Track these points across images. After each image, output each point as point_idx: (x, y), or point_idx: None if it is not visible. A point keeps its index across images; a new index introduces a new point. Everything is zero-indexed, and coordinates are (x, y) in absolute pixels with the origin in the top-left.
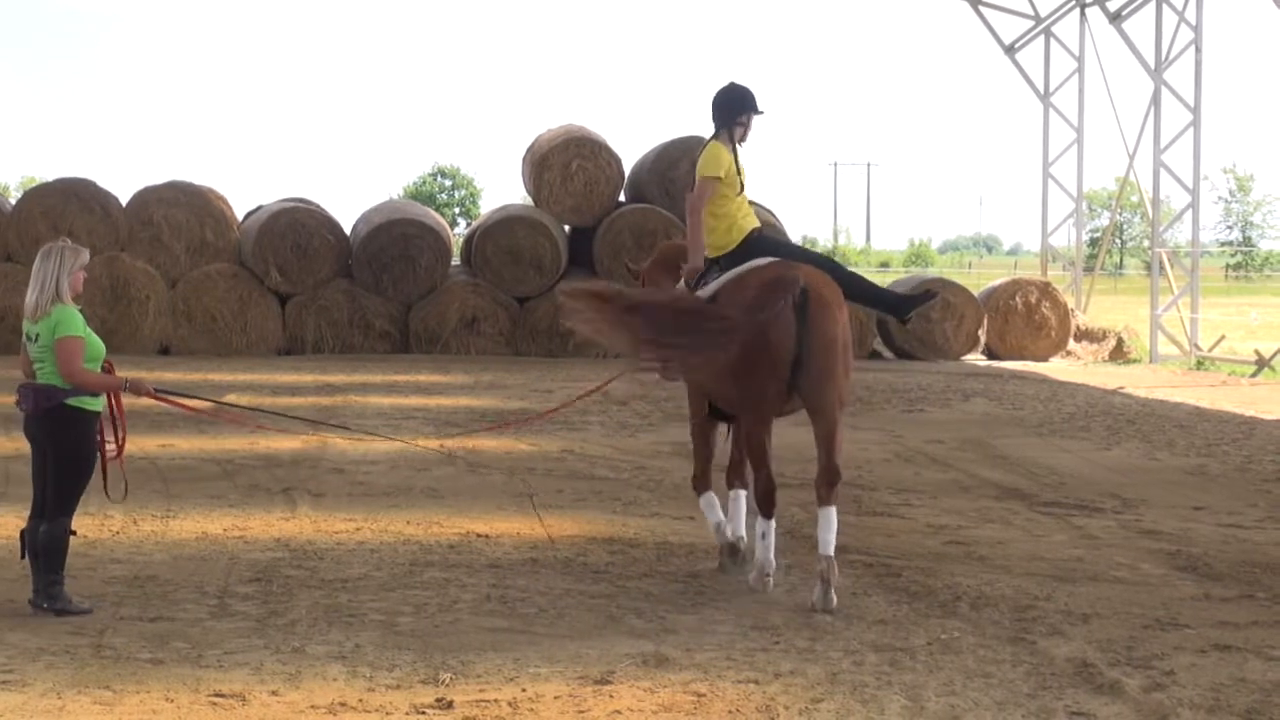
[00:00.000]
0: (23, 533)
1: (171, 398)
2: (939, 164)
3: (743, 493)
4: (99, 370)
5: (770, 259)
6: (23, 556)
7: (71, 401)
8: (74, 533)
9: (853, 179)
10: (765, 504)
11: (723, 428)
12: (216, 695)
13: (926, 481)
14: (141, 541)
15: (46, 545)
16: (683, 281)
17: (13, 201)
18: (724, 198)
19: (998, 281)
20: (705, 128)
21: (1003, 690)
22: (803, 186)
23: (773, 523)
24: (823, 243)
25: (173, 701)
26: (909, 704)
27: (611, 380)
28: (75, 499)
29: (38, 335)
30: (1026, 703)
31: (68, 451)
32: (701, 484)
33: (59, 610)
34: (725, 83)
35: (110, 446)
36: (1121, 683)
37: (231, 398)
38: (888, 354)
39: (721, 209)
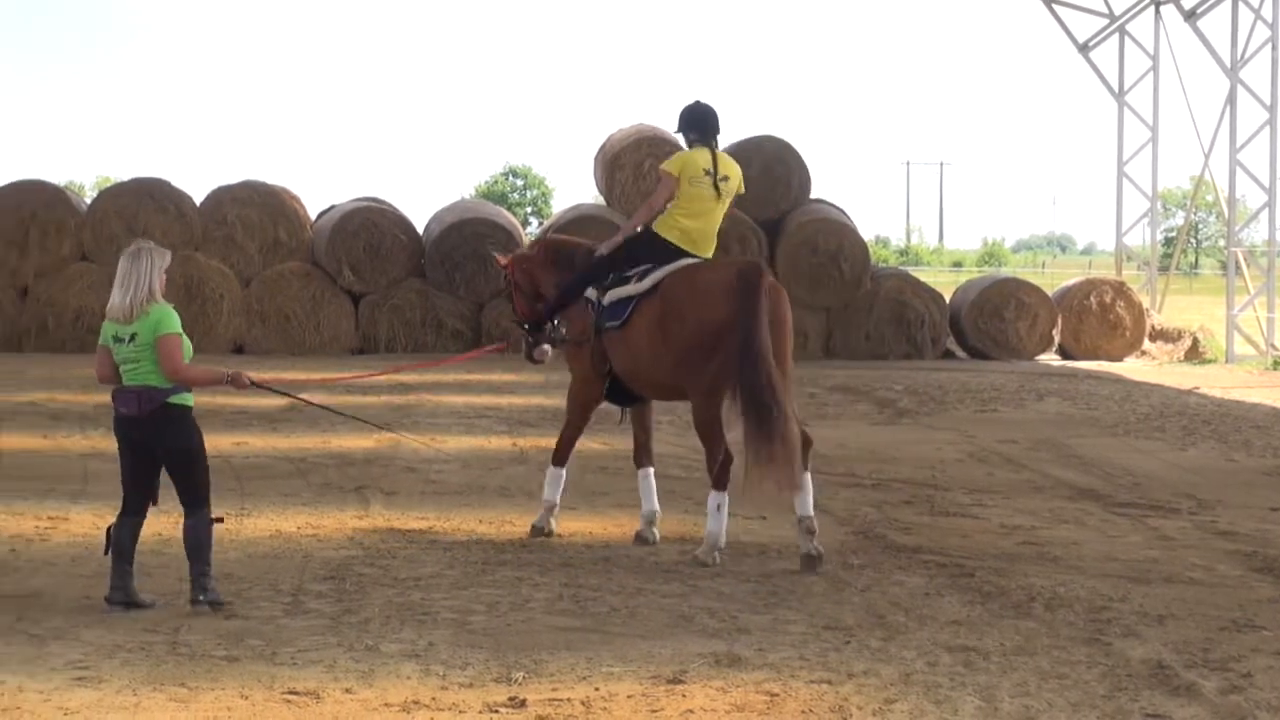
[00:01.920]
0: (109, 529)
1: (271, 388)
2: (1013, 163)
3: (651, 470)
4: None
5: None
6: (105, 552)
7: (173, 399)
8: (220, 519)
9: (926, 178)
10: (723, 478)
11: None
12: (290, 693)
13: (1000, 482)
14: (216, 539)
15: (194, 539)
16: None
17: (88, 201)
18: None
19: (1072, 281)
20: (774, 125)
21: (1078, 692)
22: (875, 186)
23: (726, 495)
24: (895, 242)
25: (247, 699)
26: (983, 705)
27: (487, 350)
28: (208, 487)
29: (132, 335)
30: (1102, 704)
31: (185, 446)
32: (560, 458)
33: (214, 602)
34: (695, 100)
35: None
36: (1198, 685)
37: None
38: (961, 354)
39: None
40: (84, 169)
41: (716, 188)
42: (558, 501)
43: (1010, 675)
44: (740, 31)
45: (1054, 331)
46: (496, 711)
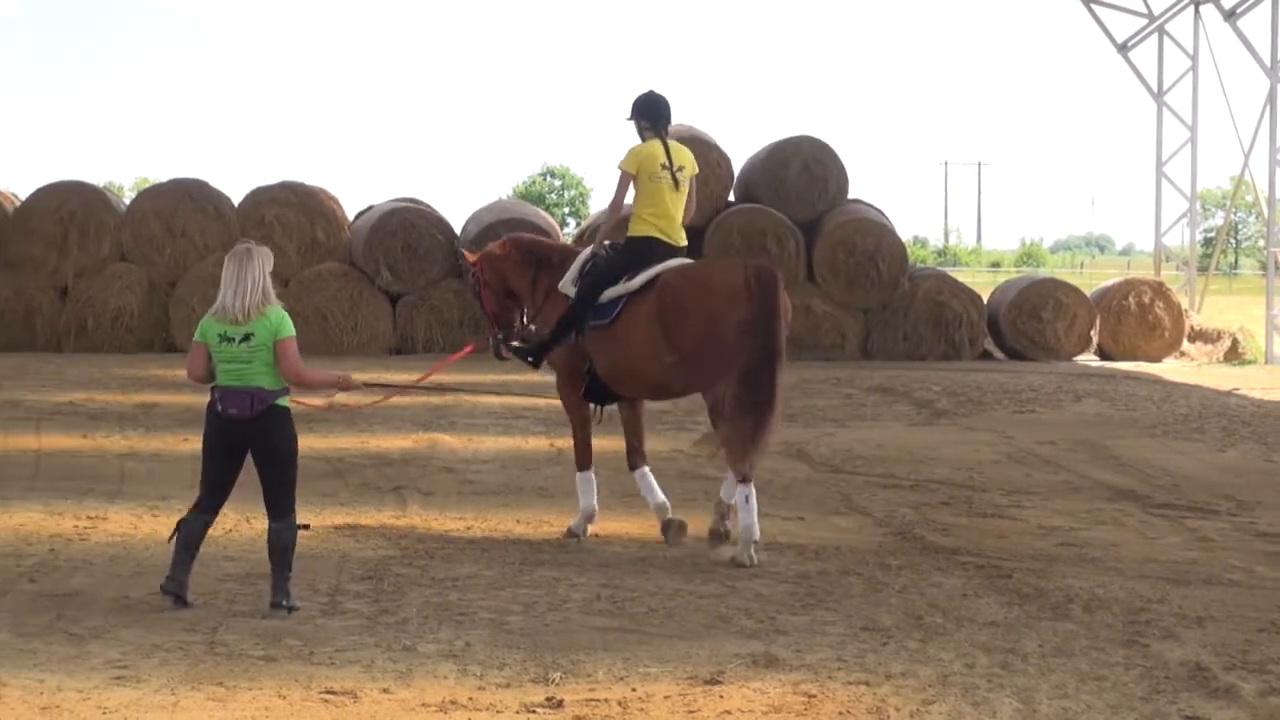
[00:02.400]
0: (180, 522)
1: (376, 386)
2: (1051, 163)
3: (647, 469)
4: None
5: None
6: (170, 539)
7: (280, 401)
8: (306, 527)
9: (964, 178)
10: (742, 466)
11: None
12: (328, 692)
13: (1038, 483)
14: (254, 539)
15: (281, 544)
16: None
17: (127, 202)
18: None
19: (1110, 281)
20: (812, 125)
21: (1116, 694)
22: (913, 186)
23: (751, 486)
24: (933, 243)
25: (285, 699)
26: (1021, 707)
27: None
28: (295, 493)
29: (246, 336)
30: (1140, 706)
31: (289, 449)
32: (583, 461)
33: (292, 608)
34: (648, 90)
35: None
36: (1237, 687)
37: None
38: (999, 354)
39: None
40: (123, 170)
41: (674, 179)
42: (595, 508)
43: (1048, 677)
44: (778, 31)
45: (1092, 332)
46: (534, 712)
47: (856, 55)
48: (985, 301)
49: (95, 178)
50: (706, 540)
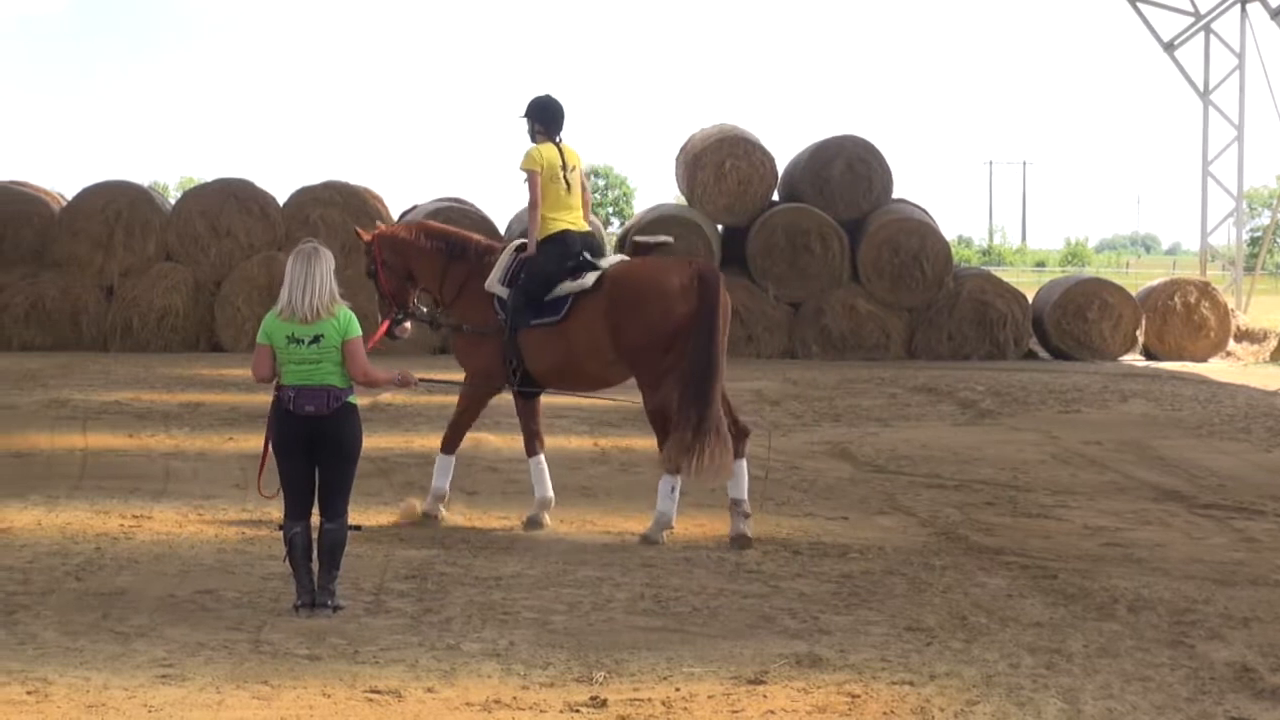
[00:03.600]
0: (294, 536)
1: (436, 381)
2: (1096, 162)
3: (542, 457)
4: None
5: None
6: (285, 560)
7: (350, 398)
8: (358, 528)
9: (1009, 178)
10: (675, 460)
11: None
12: (372, 691)
13: (1083, 483)
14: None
15: (333, 543)
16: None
17: (172, 202)
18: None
19: (1156, 281)
20: (856, 124)
21: (1161, 695)
22: (958, 186)
23: (680, 478)
24: (978, 242)
25: (329, 697)
26: (1066, 707)
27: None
28: (350, 493)
29: (316, 337)
30: (1186, 707)
31: (355, 448)
32: (451, 446)
33: (337, 607)
34: (544, 94)
35: None
36: None
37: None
38: (1044, 354)
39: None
40: (168, 169)
41: (567, 181)
42: (447, 489)
43: (1093, 678)
44: (822, 30)
45: (1138, 332)
46: (577, 711)
47: (901, 54)
48: (1030, 301)
49: (141, 177)
50: (729, 544)
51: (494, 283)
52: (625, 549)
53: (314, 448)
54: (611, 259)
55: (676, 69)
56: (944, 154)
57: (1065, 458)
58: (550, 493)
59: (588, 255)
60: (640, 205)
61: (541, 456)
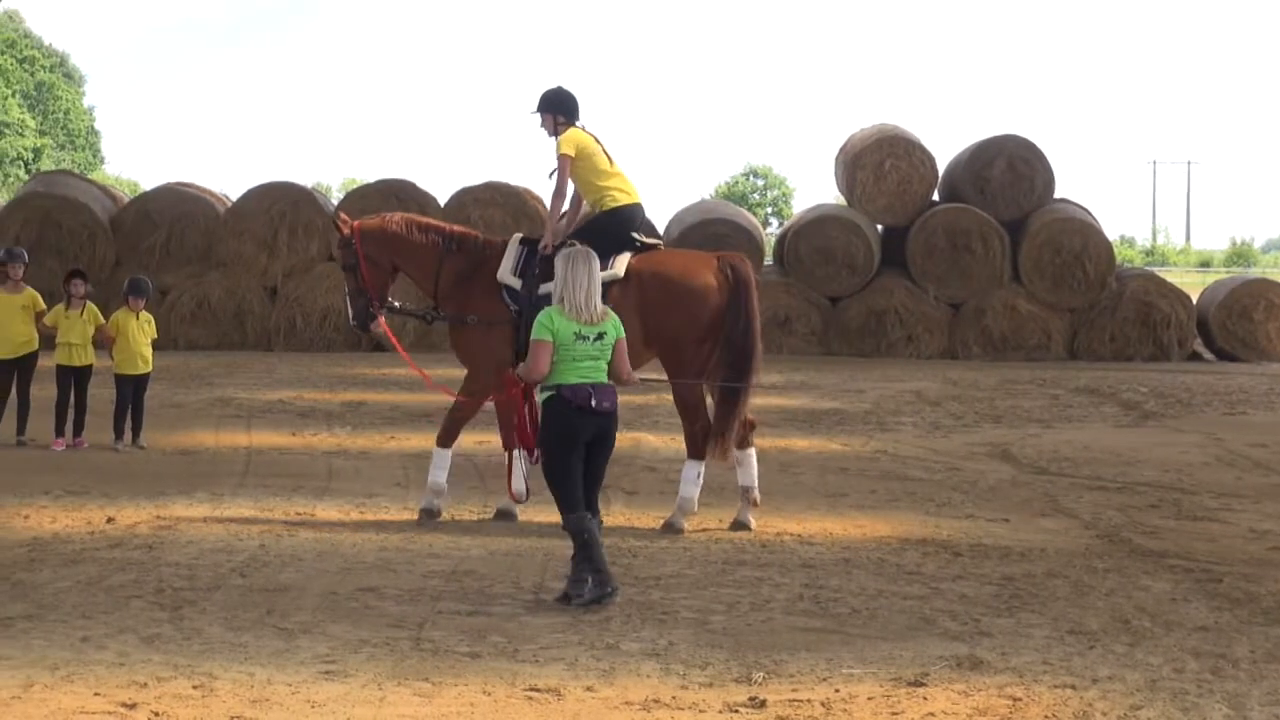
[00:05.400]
0: (590, 525)
1: (652, 381)
2: (1263, 161)
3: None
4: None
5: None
6: (574, 556)
7: None
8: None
9: (1173, 177)
10: (701, 446)
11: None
12: (532, 690)
13: (1249, 486)
14: (459, 537)
15: (599, 535)
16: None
17: (335, 202)
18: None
19: None
20: (1018, 124)
21: None
22: (1121, 185)
23: (703, 464)
24: (1141, 242)
25: (490, 695)
26: (1231, 713)
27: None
28: None
29: (600, 335)
30: None
31: (615, 441)
32: (448, 440)
33: (616, 589)
34: (556, 86)
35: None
36: None
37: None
38: (1208, 355)
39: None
40: (331, 171)
41: (607, 155)
42: (444, 484)
43: (1260, 683)
44: (982, 28)
45: None
46: (736, 711)
47: (1063, 52)
48: (1194, 302)
49: (304, 179)
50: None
51: (505, 273)
52: (784, 549)
53: (593, 443)
54: (648, 250)
55: (837, 69)
56: (1106, 153)
57: (1230, 460)
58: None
59: (639, 236)
60: (799, 205)
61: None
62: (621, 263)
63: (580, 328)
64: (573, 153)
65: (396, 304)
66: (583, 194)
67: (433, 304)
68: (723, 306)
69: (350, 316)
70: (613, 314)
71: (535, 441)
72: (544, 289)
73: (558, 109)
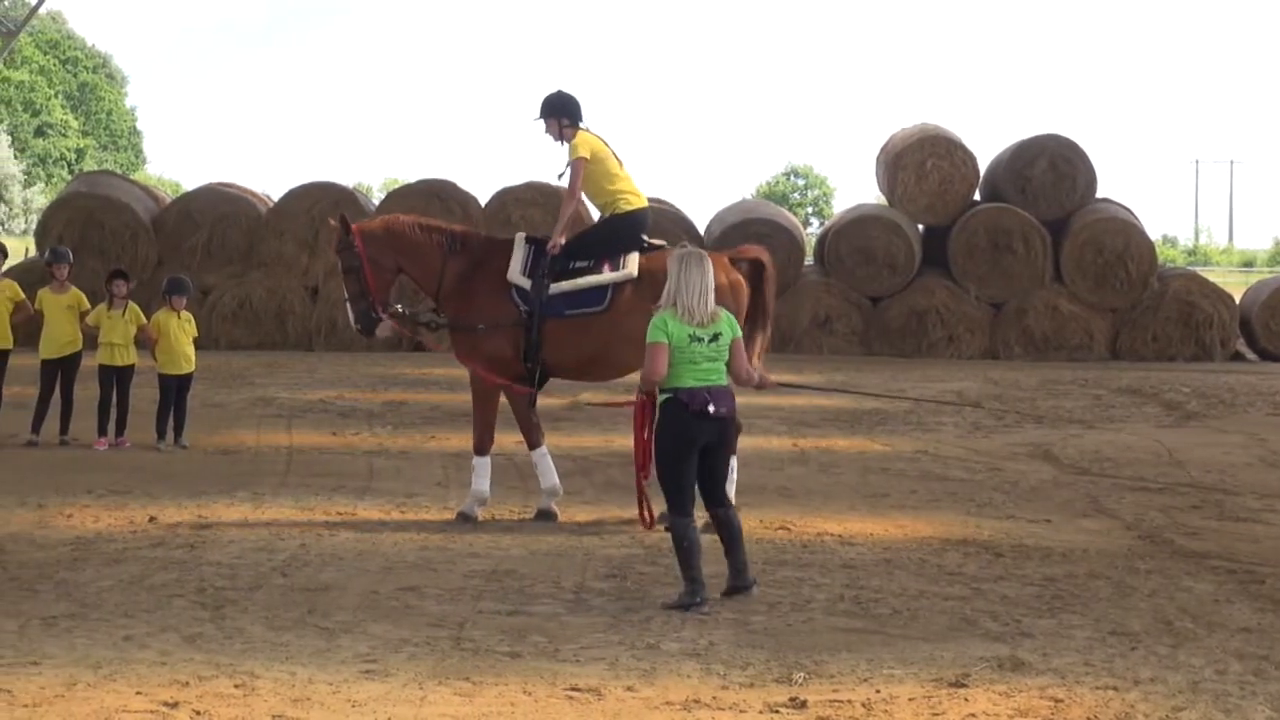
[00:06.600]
0: (693, 532)
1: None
2: None
3: (545, 448)
4: None
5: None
6: (679, 557)
7: None
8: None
9: (1215, 177)
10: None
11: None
12: (573, 689)
13: None
14: (500, 537)
15: (740, 524)
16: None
17: (376, 203)
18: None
19: None
20: (1060, 123)
21: None
22: (1162, 185)
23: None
24: (1183, 242)
25: (530, 695)
26: (1275, 715)
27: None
28: None
29: (715, 336)
30: None
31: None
32: (484, 447)
33: (755, 582)
34: (556, 90)
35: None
36: None
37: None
38: (1251, 355)
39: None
40: (372, 171)
41: (617, 158)
42: (488, 491)
43: None
44: (1022, 28)
45: None
46: (777, 711)
47: (1106, 51)
48: (1237, 302)
49: (345, 179)
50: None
51: (515, 273)
52: (824, 550)
53: (708, 445)
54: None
55: (877, 68)
56: (1148, 153)
57: (1273, 461)
58: (557, 481)
59: (646, 239)
60: (840, 205)
61: (544, 447)
62: (633, 262)
63: (694, 330)
64: (588, 155)
65: (399, 307)
66: (593, 197)
67: (433, 305)
68: (732, 306)
69: (352, 320)
70: (726, 313)
71: (650, 451)
72: (554, 289)
73: (562, 113)
